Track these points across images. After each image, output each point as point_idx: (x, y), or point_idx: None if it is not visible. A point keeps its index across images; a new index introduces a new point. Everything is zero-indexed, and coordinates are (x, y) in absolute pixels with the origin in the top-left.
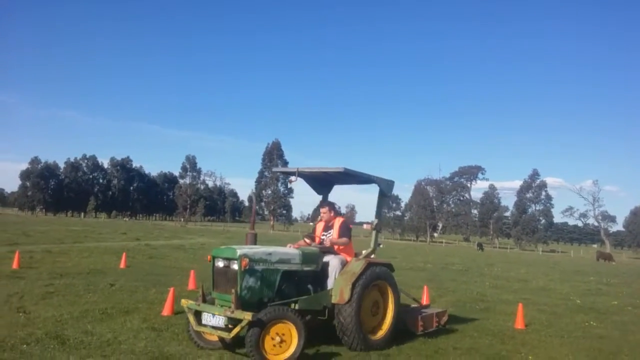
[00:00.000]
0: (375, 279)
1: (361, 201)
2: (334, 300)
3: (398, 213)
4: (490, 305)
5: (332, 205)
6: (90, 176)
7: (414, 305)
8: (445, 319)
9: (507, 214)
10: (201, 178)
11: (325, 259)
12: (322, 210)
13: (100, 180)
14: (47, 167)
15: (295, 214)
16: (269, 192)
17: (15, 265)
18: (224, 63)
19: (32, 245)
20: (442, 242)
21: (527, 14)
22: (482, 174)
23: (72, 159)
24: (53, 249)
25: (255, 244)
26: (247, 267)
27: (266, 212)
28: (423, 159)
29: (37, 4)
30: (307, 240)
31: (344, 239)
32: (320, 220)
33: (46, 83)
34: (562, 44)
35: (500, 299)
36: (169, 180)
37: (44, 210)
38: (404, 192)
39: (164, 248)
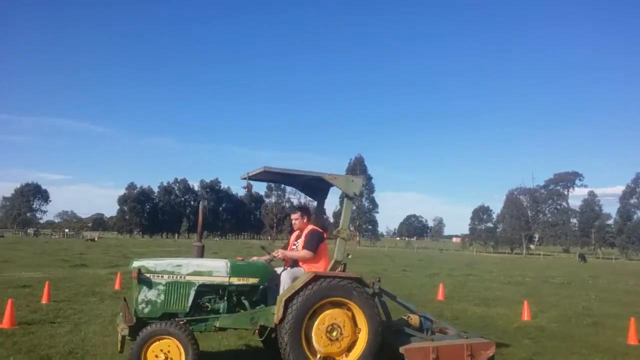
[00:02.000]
0: (326, 296)
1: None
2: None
3: (490, 225)
4: (598, 320)
5: (304, 211)
6: (182, 199)
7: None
8: (489, 353)
9: (610, 221)
10: (286, 197)
11: (280, 272)
12: (293, 216)
13: (192, 202)
14: (142, 192)
15: (382, 229)
16: (354, 207)
17: (117, 286)
18: (311, 82)
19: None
20: (539, 254)
21: (629, 9)
22: (580, 180)
23: (165, 183)
24: None
25: (202, 256)
26: (138, 279)
27: (351, 228)
28: (513, 167)
29: (128, 39)
30: (265, 253)
31: (302, 253)
32: (294, 228)
33: (138, 114)
34: None
35: (608, 312)
36: (256, 200)
37: (140, 232)
38: (494, 202)
39: None
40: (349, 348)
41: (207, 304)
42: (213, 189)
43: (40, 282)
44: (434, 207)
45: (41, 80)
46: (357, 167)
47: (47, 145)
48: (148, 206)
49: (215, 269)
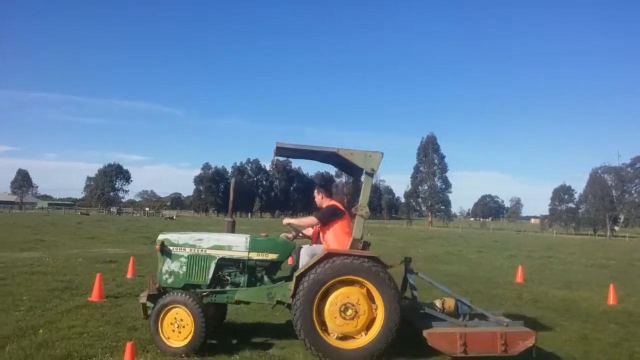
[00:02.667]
0: (339, 274)
1: None
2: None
3: (571, 205)
4: None
5: (325, 188)
6: (255, 179)
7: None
8: (527, 344)
9: None
10: None
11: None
12: (315, 194)
13: (264, 182)
14: (217, 172)
15: (455, 209)
16: (426, 187)
17: None
18: (378, 60)
19: None
20: (624, 237)
21: None
22: None
23: (238, 164)
24: None
25: (233, 231)
26: (162, 251)
27: (423, 209)
28: (597, 144)
29: (201, 23)
30: (292, 230)
31: (307, 219)
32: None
33: (213, 97)
34: None
35: None
36: (326, 179)
37: (215, 211)
38: (576, 182)
39: None
40: (368, 327)
41: (227, 277)
42: (284, 169)
43: (125, 257)
44: (511, 187)
45: (124, 66)
46: (430, 146)
47: (128, 128)
48: (222, 186)
49: (235, 243)
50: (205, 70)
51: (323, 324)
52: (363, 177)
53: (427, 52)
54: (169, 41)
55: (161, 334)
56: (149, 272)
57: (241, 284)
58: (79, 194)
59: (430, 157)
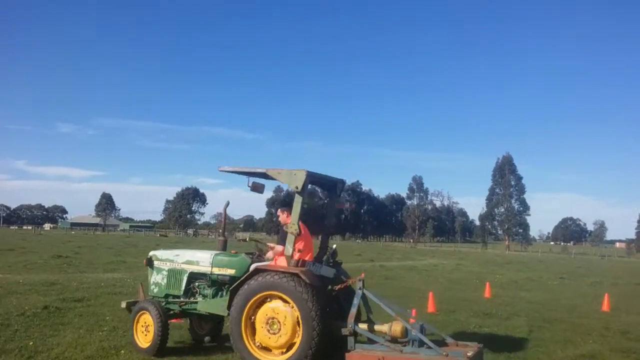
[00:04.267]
0: (263, 290)
1: None
2: None
3: None
4: None
5: (285, 207)
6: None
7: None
8: None
9: None
10: (428, 198)
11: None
12: (279, 213)
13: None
14: (287, 194)
15: (534, 232)
16: (502, 209)
17: None
18: (455, 79)
19: None
20: None
21: None
22: None
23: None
24: None
25: (224, 249)
26: (149, 264)
27: (500, 232)
28: None
29: (273, 44)
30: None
31: (276, 249)
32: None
33: (285, 120)
34: None
35: None
36: (397, 201)
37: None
38: None
39: (397, 269)
40: (289, 347)
41: (196, 289)
42: (354, 191)
43: None
44: (594, 209)
45: (201, 96)
46: (506, 167)
47: (208, 152)
48: None
49: (201, 259)
50: (282, 94)
51: (254, 335)
52: (295, 196)
53: (501, 71)
54: (248, 70)
55: (136, 336)
56: (141, 282)
57: (207, 296)
58: (158, 216)
59: (506, 178)
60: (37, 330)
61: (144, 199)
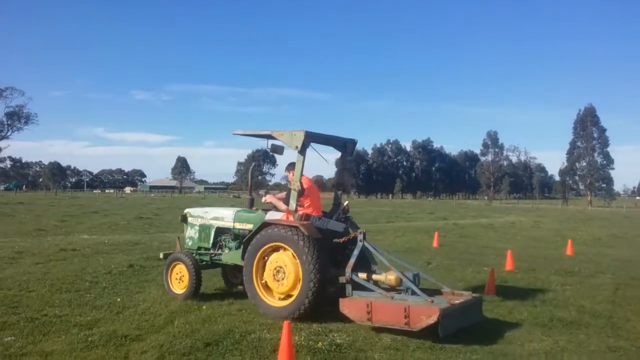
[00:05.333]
0: (269, 241)
1: None
2: None
3: None
4: None
5: (290, 166)
6: (395, 159)
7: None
8: (429, 321)
9: None
10: (504, 154)
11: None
12: (286, 173)
13: (404, 163)
14: (357, 154)
15: (618, 187)
16: (584, 164)
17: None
18: (526, 32)
19: None
20: None
21: None
22: None
23: (378, 145)
24: (370, 229)
25: (251, 207)
26: (183, 221)
27: (582, 187)
28: None
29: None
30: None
31: (281, 206)
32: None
33: (359, 79)
34: None
35: None
36: (470, 158)
37: (356, 193)
38: None
39: (472, 227)
40: (290, 296)
41: (222, 242)
42: (425, 149)
43: None
44: None
45: (270, 58)
46: (588, 119)
47: (274, 114)
48: (363, 167)
49: (225, 216)
50: (350, 53)
51: (266, 285)
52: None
53: (581, 20)
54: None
55: (171, 283)
56: (178, 236)
57: (231, 249)
58: (230, 178)
59: (588, 130)
60: (124, 288)
61: (217, 161)
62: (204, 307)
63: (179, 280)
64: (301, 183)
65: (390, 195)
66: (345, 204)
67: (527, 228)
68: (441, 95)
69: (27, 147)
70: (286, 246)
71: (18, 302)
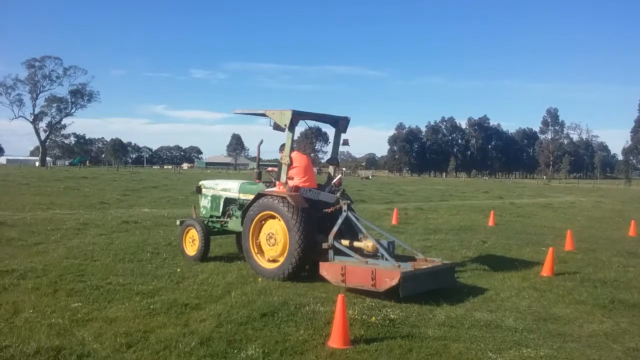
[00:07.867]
0: (262, 210)
1: None
2: None
3: None
4: None
5: (282, 146)
6: (450, 137)
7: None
8: (391, 283)
9: None
10: (564, 132)
11: None
12: (280, 150)
13: (459, 141)
14: (410, 132)
15: None
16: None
17: (394, 221)
18: (587, 8)
19: (405, 203)
20: None
21: None
22: None
23: (432, 122)
24: (423, 207)
25: (259, 180)
26: (198, 192)
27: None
28: None
29: None
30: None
31: (276, 183)
32: None
33: (412, 56)
34: None
35: None
36: (528, 136)
37: (409, 171)
38: None
39: (530, 207)
40: (278, 260)
41: (230, 211)
42: (481, 127)
43: None
44: None
45: (324, 35)
46: None
47: (328, 92)
48: (416, 145)
49: (232, 187)
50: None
51: (261, 249)
52: (286, 132)
53: None
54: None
55: (185, 246)
56: (194, 205)
57: (237, 217)
58: None
59: None
60: (183, 259)
61: (271, 139)
62: (260, 279)
63: (192, 243)
64: (291, 158)
65: (444, 173)
66: (337, 177)
67: (587, 208)
68: (498, 72)
69: (90, 124)
70: (275, 214)
71: (84, 270)
